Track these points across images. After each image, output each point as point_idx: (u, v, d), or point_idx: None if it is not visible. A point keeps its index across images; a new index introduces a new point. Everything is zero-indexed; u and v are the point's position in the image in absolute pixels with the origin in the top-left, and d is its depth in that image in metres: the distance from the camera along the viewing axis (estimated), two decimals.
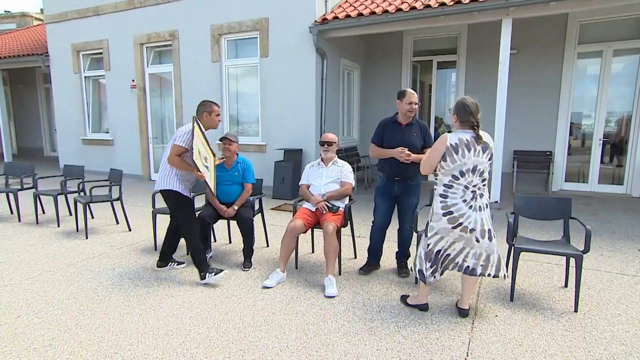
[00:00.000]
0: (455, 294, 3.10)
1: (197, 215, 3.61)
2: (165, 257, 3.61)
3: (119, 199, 4.87)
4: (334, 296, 3.07)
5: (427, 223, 2.69)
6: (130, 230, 4.88)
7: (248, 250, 3.70)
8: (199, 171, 3.15)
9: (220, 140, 3.82)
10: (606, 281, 3.34)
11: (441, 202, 2.59)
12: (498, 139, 5.67)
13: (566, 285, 3.23)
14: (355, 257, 3.90)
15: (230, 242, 4.44)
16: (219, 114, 3.34)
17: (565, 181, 7.32)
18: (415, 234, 3.32)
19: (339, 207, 3.46)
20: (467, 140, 2.54)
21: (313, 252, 4.10)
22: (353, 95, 8.48)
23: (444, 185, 2.59)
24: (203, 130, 3.27)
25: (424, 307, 2.85)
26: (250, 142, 7.54)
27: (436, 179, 2.66)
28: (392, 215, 3.44)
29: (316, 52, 6.73)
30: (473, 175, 2.53)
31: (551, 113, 7.19)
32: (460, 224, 2.55)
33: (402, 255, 3.52)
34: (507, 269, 3.37)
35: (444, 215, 2.58)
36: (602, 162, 7.17)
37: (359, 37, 8.21)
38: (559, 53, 6.99)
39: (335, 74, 7.47)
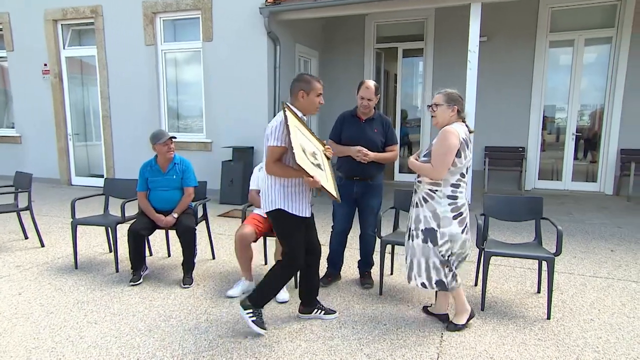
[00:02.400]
0: (422, 305, 3.17)
1: (129, 227, 3.45)
2: (308, 301, 2.97)
3: (28, 208, 4.55)
4: (286, 301, 3.18)
5: (432, 230, 2.66)
6: (42, 245, 4.58)
7: (188, 264, 3.59)
8: (309, 175, 2.45)
9: (157, 142, 3.63)
10: (579, 285, 3.56)
11: (450, 204, 2.63)
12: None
13: (539, 291, 3.40)
14: None
15: (169, 255, 4.29)
16: (321, 94, 2.70)
17: (538, 179, 7.76)
18: (379, 240, 3.36)
19: None
20: (466, 133, 2.66)
21: (266, 263, 4.05)
22: None
23: (452, 185, 2.63)
24: (301, 115, 2.68)
25: (444, 318, 2.93)
26: (193, 139, 7.34)
27: (419, 180, 2.73)
28: (352, 219, 3.47)
29: (268, 36, 6.68)
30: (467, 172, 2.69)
31: (523, 106, 7.60)
32: (466, 225, 2.70)
33: (365, 264, 3.56)
34: (475, 276, 3.53)
35: (455, 218, 2.64)
36: (576, 158, 7.68)
37: (317, 20, 8.24)
38: (530, 41, 7.41)
39: (290, 62, 7.45)
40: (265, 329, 2.73)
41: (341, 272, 3.67)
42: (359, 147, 3.22)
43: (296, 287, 3.46)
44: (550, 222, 3.21)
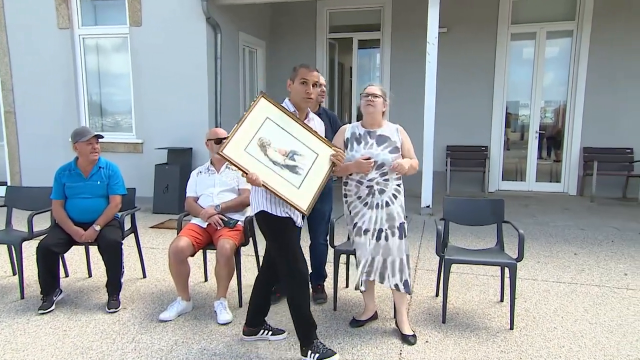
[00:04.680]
0: (382, 319, 3.24)
1: (39, 244, 3.25)
2: (255, 321, 2.92)
3: None
4: (229, 322, 3.15)
5: (403, 224, 2.99)
6: None
7: (114, 285, 3.45)
8: (245, 172, 2.43)
9: (79, 140, 3.45)
10: (543, 291, 3.77)
11: (344, 201, 3.04)
12: (428, 132, 6.10)
13: (502, 300, 3.57)
14: None
15: (89, 275, 4.09)
16: (306, 81, 2.60)
17: (502, 180, 8.17)
18: (331, 250, 3.39)
19: (238, 221, 3.41)
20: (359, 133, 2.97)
21: (206, 280, 3.97)
22: (257, 78, 8.45)
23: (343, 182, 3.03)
24: (293, 110, 2.66)
25: (374, 317, 3.23)
26: (121, 140, 7.08)
27: (387, 179, 2.95)
28: (301, 228, 3.47)
29: (207, 22, 6.58)
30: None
31: (486, 102, 7.97)
32: (355, 224, 2.95)
33: (317, 276, 3.58)
34: (436, 285, 3.65)
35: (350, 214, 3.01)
36: (540, 157, 8.16)
37: (263, 6, 8.24)
38: (491, 33, 7.79)
39: (233, 52, 7.37)
40: (335, 352, 2.62)
41: None
42: None
43: (240, 305, 3.42)
44: (512, 225, 3.37)
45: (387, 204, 2.92)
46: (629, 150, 7.40)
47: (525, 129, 8.14)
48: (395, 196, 2.95)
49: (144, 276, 4.07)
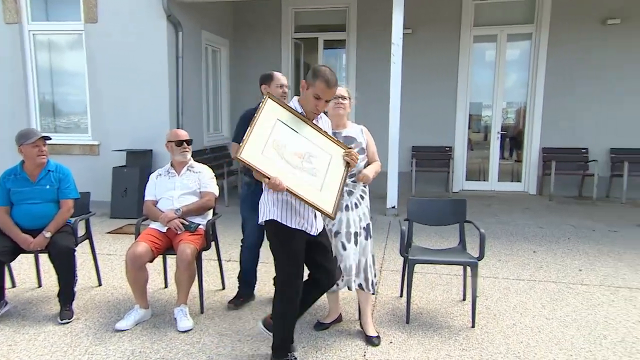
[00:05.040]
0: (347, 322, 3.25)
1: None
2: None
3: None
4: (190, 329, 3.10)
5: (368, 224, 3.04)
6: None
7: (66, 294, 3.33)
8: (265, 175, 2.27)
9: (24, 142, 3.31)
10: (503, 289, 3.89)
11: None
12: (393, 132, 6.19)
13: (464, 298, 3.66)
14: (224, 288, 3.84)
15: (39, 285, 3.93)
16: (319, 98, 2.39)
17: (466, 180, 8.38)
18: None
19: (199, 225, 3.36)
20: None
21: (166, 286, 3.89)
22: (221, 79, 8.37)
23: None
24: (301, 111, 2.50)
25: (339, 319, 3.25)
26: (76, 142, 6.85)
27: (354, 180, 2.94)
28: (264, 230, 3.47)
29: (168, 20, 6.46)
30: None
31: (449, 103, 8.16)
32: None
33: None
34: (400, 286, 3.71)
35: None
36: (502, 157, 8.43)
37: (226, 4, 8.16)
38: (455, 35, 7.98)
39: (195, 51, 7.27)
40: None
41: (255, 291, 3.63)
42: None
43: (202, 311, 3.36)
44: (473, 225, 3.46)
45: (356, 205, 2.95)
46: (584, 150, 7.73)
47: (488, 130, 8.38)
48: (362, 197, 3.00)
49: (100, 284, 3.94)
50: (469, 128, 8.33)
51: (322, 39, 8.61)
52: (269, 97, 2.45)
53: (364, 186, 3.02)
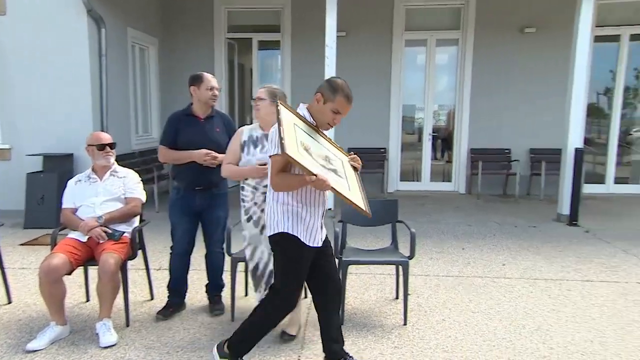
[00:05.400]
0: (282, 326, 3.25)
1: None
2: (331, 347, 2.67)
3: None
4: (114, 344, 2.96)
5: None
6: None
7: None
8: (311, 173, 2.18)
9: None
10: (434, 286, 4.06)
11: (242, 206, 2.99)
12: (329, 135, 6.26)
13: (397, 297, 3.78)
14: (152, 299, 3.71)
15: None
16: (338, 113, 2.41)
17: (400, 180, 8.66)
18: (228, 257, 3.34)
19: (124, 233, 3.21)
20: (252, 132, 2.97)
21: (88, 300, 3.69)
22: (150, 79, 8.08)
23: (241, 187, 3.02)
24: (309, 119, 2.48)
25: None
26: None
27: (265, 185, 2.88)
28: (195, 236, 3.41)
29: (88, 15, 6.15)
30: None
31: (384, 105, 8.40)
32: (263, 226, 2.93)
33: (215, 287, 3.51)
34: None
35: (248, 220, 2.98)
36: (435, 158, 8.80)
37: (152, 0, 7.89)
38: (387, 39, 8.23)
39: (120, 49, 6.97)
40: None
41: (186, 299, 3.54)
42: (205, 150, 3.17)
43: (127, 325, 3.22)
44: (405, 224, 3.59)
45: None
46: (507, 151, 8.27)
47: (421, 131, 8.73)
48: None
49: (9, 301, 3.64)
50: (402, 130, 8.62)
51: (256, 40, 8.56)
52: (280, 104, 2.39)
53: None
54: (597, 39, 7.78)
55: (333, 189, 2.27)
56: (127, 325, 3.23)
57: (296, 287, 2.50)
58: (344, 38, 7.83)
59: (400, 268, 3.41)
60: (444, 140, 9.02)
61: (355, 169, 2.61)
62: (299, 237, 2.42)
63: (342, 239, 3.62)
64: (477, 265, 4.59)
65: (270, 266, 2.91)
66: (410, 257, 3.32)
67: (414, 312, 3.51)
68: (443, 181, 8.78)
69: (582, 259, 4.77)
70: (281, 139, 2.16)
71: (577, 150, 6.14)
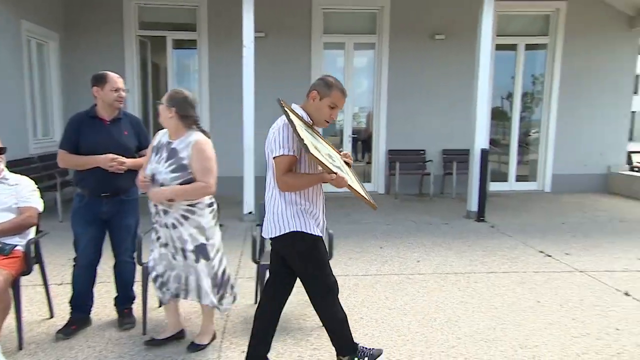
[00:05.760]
0: (192, 335, 3.17)
1: None
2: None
3: None
4: None
5: (203, 245, 2.87)
6: None
7: None
8: (331, 171, 2.29)
9: None
10: (353, 285, 4.17)
11: (211, 212, 2.92)
12: (247, 137, 6.22)
13: None
14: (52, 317, 3.43)
15: None
16: (335, 107, 2.52)
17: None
18: (139, 267, 3.20)
19: (15, 246, 2.95)
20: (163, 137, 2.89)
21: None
22: (50, 77, 7.51)
23: None
24: (307, 119, 2.56)
25: (181, 335, 3.11)
26: None
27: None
28: (102, 246, 3.23)
29: None
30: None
31: None
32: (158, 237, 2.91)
33: (124, 299, 3.35)
34: (255, 293, 3.74)
35: (216, 225, 2.96)
36: (356, 159, 9.04)
37: None
38: (306, 41, 8.32)
39: (12, 43, 6.41)
40: (380, 351, 2.75)
41: (92, 314, 3.33)
42: (111, 155, 3.00)
43: (20, 348, 2.96)
44: None
45: (174, 226, 2.79)
46: (422, 152, 8.71)
47: (342, 133, 8.93)
48: (185, 217, 2.79)
49: None
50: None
51: (170, 38, 8.27)
52: (282, 103, 2.46)
53: (190, 205, 2.78)
54: (499, 47, 8.45)
55: (349, 186, 2.39)
56: (20, 349, 2.95)
57: (330, 273, 2.64)
58: (263, 39, 7.81)
59: None
60: (364, 142, 9.30)
61: (348, 164, 2.69)
62: (314, 233, 2.52)
63: (261, 243, 3.61)
64: (394, 263, 4.79)
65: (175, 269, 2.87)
66: (329, 258, 3.38)
67: None
68: (364, 182, 9.02)
69: (487, 252, 5.15)
70: (301, 139, 2.23)
71: (482, 150, 6.62)
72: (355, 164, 8.61)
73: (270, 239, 2.59)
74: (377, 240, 5.65)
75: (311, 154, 2.21)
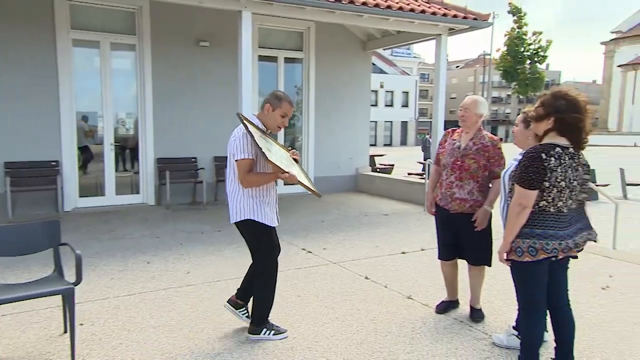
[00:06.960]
0: None
1: None
2: (245, 295, 3.47)
3: None
4: None
5: None
6: None
7: None
8: (285, 171, 3.03)
9: None
10: (113, 308, 3.81)
11: None
12: None
13: (66, 331, 3.36)
14: None
15: None
16: (286, 116, 3.25)
17: (80, 196, 7.85)
18: None
19: None
20: None
21: None
22: None
23: None
24: (262, 127, 3.23)
25: None
26: None
27: None
28: None
29: None
30: None
31: (52, 112, 7.41)
32: None
33: None
34: None
35: None
36: (124, 169, 8.36)
37: None
38: (50, 36, 7.27)
39: None
40: (285, 330, 3.40)
41: None
42: None
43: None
44: (69, 247, 3.23)
45: None
46: (194, 160, 8.60)
47: (100, 141, 8.11)
48: None
49: None
50: (80, 140, 7.87)
51: (108, 42, 6.84)
52: (241, 116, 3.07)
53: None
54: (262, 58, 8.98)
55: (299, 182, 3.13)
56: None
57: (269, 252, 3.28)
58: None
59: (64, 297, 3.05)
60: (130, 150, 8.65)
61: (296, 160, 3.41)
62: (265, 222, 3.21)
63: None
64: (162, 277, 4.58)
65: None
66: (77, 282, 3.02)
67: (86, 344, 3.22)
68: (131, 193, 8.42)
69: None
70: (260, 148, 2.90)
71: None
72: (119, 174, 8.20)
73: (234, 223, 3.25)
74: (143, 255, 5.32)
75: (269, 160, 2.91)
